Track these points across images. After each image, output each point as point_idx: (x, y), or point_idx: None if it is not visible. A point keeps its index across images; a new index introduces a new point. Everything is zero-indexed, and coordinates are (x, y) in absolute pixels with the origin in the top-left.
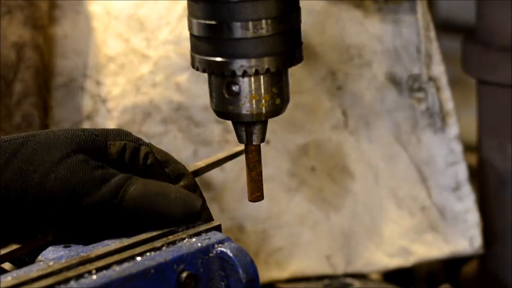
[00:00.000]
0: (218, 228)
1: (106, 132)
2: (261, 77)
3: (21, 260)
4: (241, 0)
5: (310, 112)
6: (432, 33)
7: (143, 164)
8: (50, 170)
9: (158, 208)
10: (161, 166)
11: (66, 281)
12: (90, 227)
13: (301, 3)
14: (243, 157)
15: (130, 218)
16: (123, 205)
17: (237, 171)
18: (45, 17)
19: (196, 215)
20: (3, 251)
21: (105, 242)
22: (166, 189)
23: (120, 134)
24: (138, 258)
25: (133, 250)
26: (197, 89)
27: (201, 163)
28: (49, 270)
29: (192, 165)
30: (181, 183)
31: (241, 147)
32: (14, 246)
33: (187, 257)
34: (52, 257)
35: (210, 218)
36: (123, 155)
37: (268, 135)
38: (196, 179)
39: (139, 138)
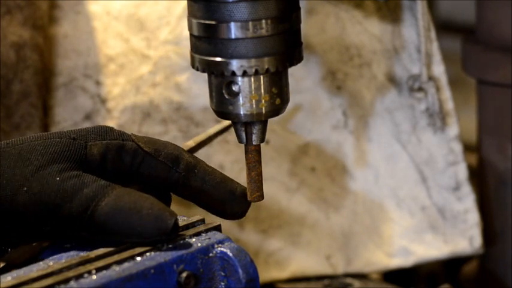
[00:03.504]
0: (218, 228)
1: (85, 133)
2: (261, 77)
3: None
4: (240, 0)
5: (310, 112)
6: (432, 33)
7: (132, 162)
8: (22, 184)
9: (129, 225)
10: (153, 157)
11: (66, 281)
12: (68, 236)
13: (301, 3)
14: (243, 157)
15: (101, 232)
16: (94, 220)
17: (237, 171)
18: (45, 17)
19: (169, 233)
20: None
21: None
22: (140, 205)
23: (100, 132)
24: (138, 258)
25: (133, 250)
26: (197, 89)
27: (191, 142)
28: (49, 270)
29: (183, 146)
30: (181, 165)
31: (230, 121)
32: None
33: (187, 257)
34: (52, 257)
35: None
36: (106, 155)
37: (268, 135)
38: None
39: (122, 133)
